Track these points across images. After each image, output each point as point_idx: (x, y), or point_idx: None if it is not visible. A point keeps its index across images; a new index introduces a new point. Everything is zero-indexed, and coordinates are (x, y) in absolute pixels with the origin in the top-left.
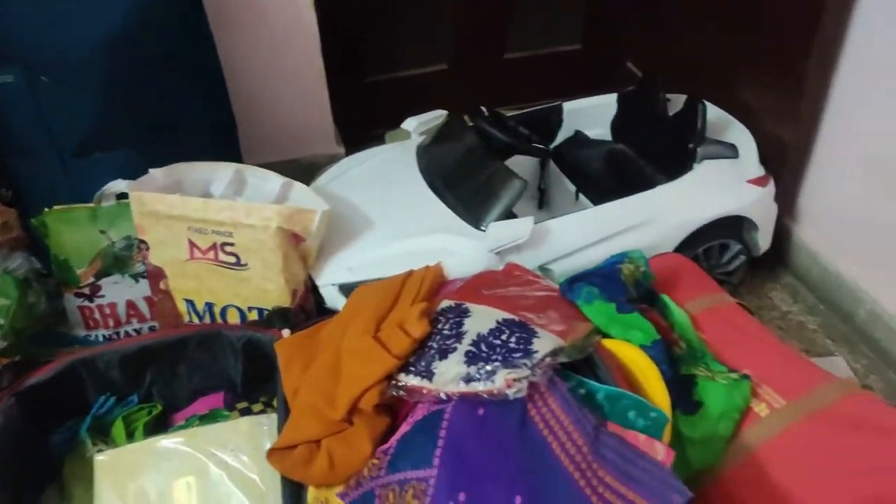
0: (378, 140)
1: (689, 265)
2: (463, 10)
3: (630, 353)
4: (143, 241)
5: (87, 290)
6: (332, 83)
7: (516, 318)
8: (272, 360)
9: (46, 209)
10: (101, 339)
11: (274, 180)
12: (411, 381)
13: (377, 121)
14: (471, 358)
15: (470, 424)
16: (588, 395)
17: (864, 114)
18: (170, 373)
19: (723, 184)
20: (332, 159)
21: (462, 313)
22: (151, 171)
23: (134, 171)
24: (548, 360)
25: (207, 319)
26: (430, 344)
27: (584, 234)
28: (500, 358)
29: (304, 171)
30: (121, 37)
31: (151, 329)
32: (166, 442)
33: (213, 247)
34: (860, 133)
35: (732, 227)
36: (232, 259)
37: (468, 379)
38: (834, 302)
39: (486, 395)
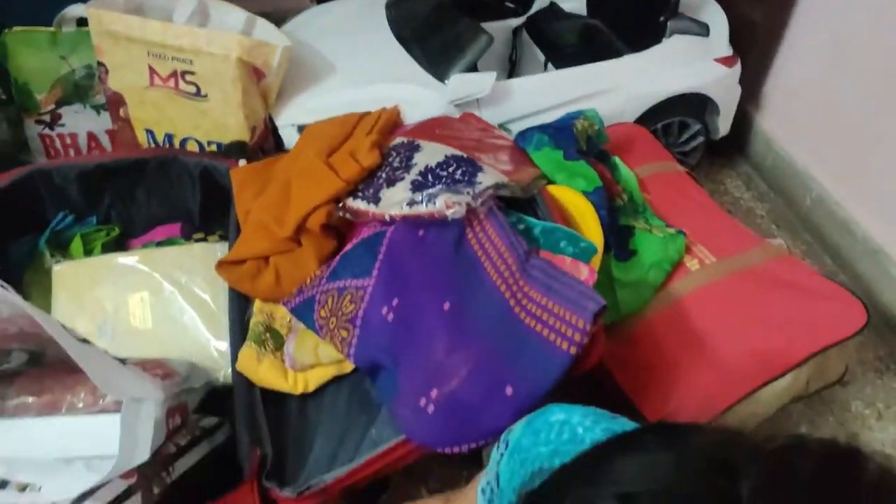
0: None
1: (645, 134)
2: None
3: (571, 198)
4: (101, 64)
5: (47, 118)
6: None
7: (465, 155)
8: (228, 191)
9: (6, 30)
10: None
11: (238, 14)
12: (358, 204)
13: None
14: (416, 186)
15: (409, 243)
16: (526, 230)
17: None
18: (128, 196)
19: (689, 59)
20: None
21: (413, 149)
22: None
23: None
24: (490, 191)
25: None
26: (379, 174)
27: (545, 96)
28: (443, 185)
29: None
30: None
31: None
32: (123, 259)
33: (174, 74)
34: (830, 19)
35: (694, 105)
36: (192, 89)
37: (411, 203)
38: (784, 189)
39: (426, 217)
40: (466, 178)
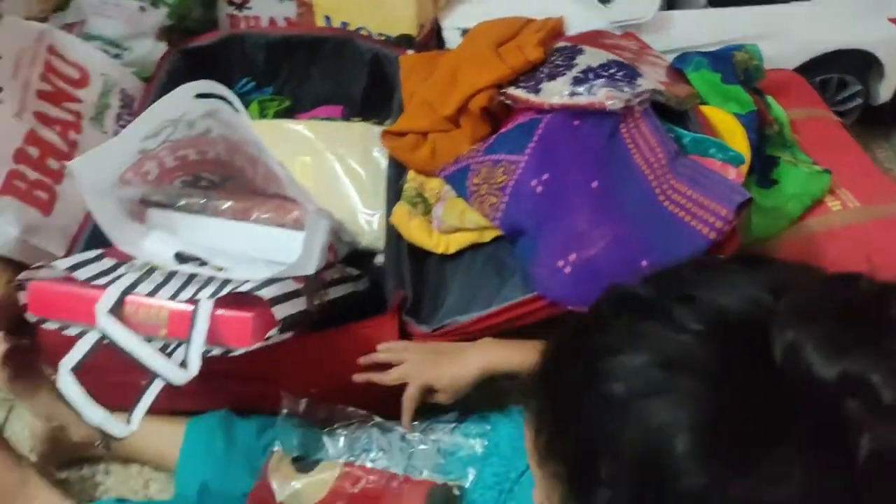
0: None
1: (802, 82)
2: None
3: (723, 117)
4: None
5: (237, 0)
6: None
7: (625, 62)
8: (393, 80)
9: None
10: None
11: None
12: (519, 93)
13: None
14: (577, 81)
15: (565, 130)
16: (677, 139)
17: None
18: (303, 72)
19: (860, 14)
20: None
21: (576, 51)
22: None
23: None
24: (647, 94)
25: None
26: (541, 69)
27: (706, 32)
28: (604, 82)
29: None
30: None
31: None
32: (292, 125)
33: None
34: None
35: (858, 63)
36: None
37: (572, 94)
38: None
39: (586, 106)
40: (627, 80)
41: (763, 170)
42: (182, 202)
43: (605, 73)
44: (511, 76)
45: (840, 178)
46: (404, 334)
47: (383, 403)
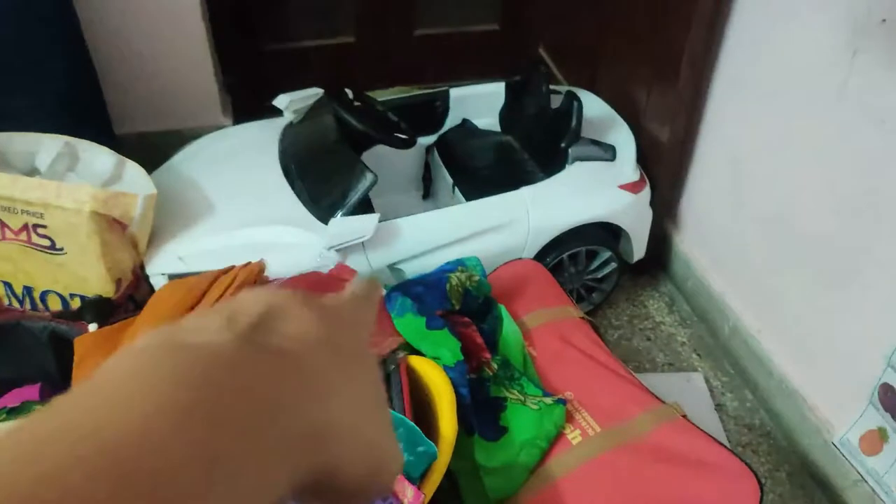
0: (276, 113)
1: (541, 273)
2: None
3: (432, 374)
4: None
5: None
6: (225, 49)
7: None
8: None
9: None
10: None
11: (106, 158)
12: None
13: (275, 93)
14: None
15: None
16: None
17: (731, 116)
18: None
19: (592, 187)
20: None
21: None
22: None
23: None
24: None
25: (28, 304)
26: None
27: (438, 234)
28: None
29: (188, 142)
30: None
31: None
32: None
33: (25, 228)
34: (727, 136)
35: (600, 233)
36: (46, 242)
37: None
38: (705, 315)
39: None
40: None
41: (486, 418)
42: None
43: None
44: None
45: (579, 397)
46: None
47: None
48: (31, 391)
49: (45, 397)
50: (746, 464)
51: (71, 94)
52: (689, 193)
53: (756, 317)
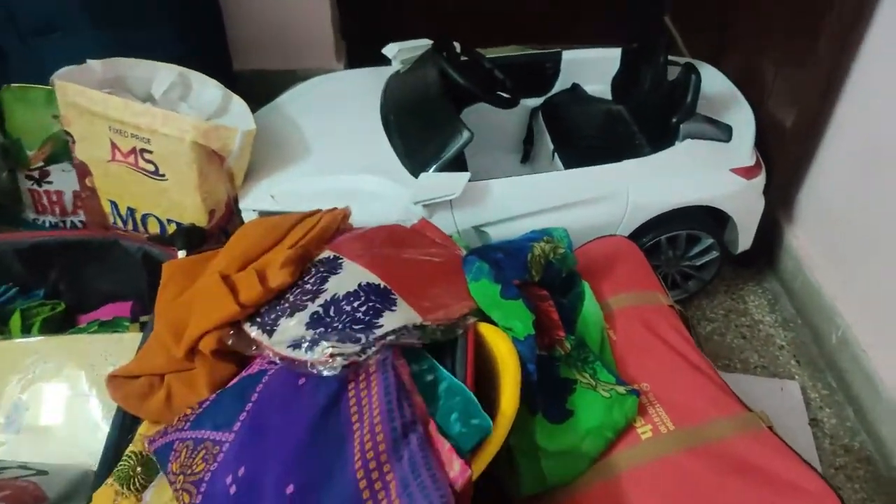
0: (387, 62)
1: (633, 254)
2: None
3: (500, 345)
4: (68, 133)
5: (36, 174)
6: None
7: (381, 285)
8: None
9: (4, 85)
10: (48, 224)
11: (215, 91)
12: (253, 332)
13: (389, 42)
14: (314, 321)
15: (284, 393)
16: (433, 383)
17: (876, 97)
18: (74, 273)
19: (701, 168)
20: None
21: (333, 268)
22: (90, 62)
23: (99, 57)
24: (389, 337)
25: (130, 224)
26: (287, 296)
27: (530, 200)
28: (339, 326)
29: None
30: None
31: None
32: (43, 343)
33: (133, 151)
34: (871, 130)
35: (705, 218)
36: (151, 167)
37: (296, 344)
38: (811, 319)
39: (303, 364)
40: (368, 319)
41: (553, 399)
42: None
43: (348, 308)
44: (241, 315)
45: (656, 390)
46: None
47: None
48: (122, 307)
49: (135, 314)
50: (834, 488)
51: (195, 27)
52: (810, 184)
53: (871, 329)
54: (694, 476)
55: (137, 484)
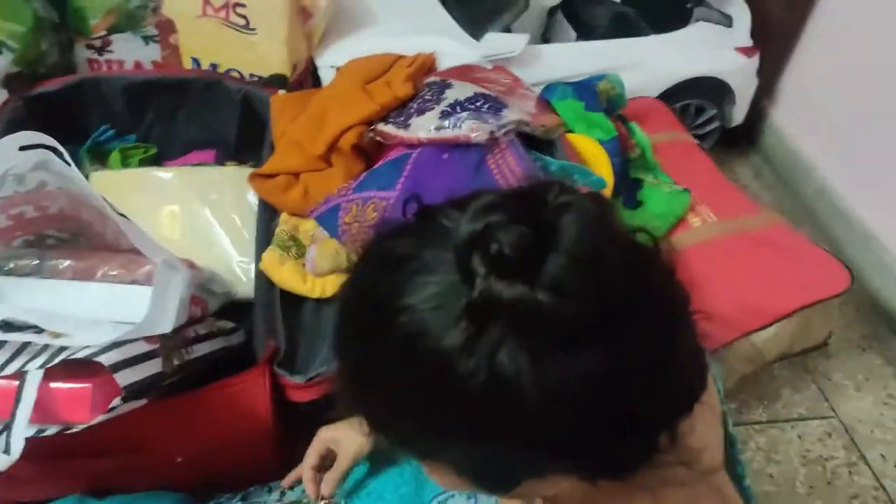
0: None
1: (663, 107)
2: None
3: (588, 145)
4: None
5: (97, 43)
6: None
7: (493, 94)
8: (265, 121)
9: None
10: None
11: None
12: (389, 129)
13: None
14: (445, 115)
15: (433, 163)
16: (544, 166)
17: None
18: (169, 116)
19: (711, 45)
20: None
21: (445, 86)
22: None
23: None
24: (513, 125)
25: None
26: (411, 105)
27: (572, 64)
28: (470, 114)
29: None
30: None
31: None
32: (159, 173)
33: (226, 5)
34: (850, 16)
35: (712, 89)
36: (242, 21)
37: (439, 128)
38: (790, 180)
39: (452, 140)
40: (492, 112)
41: (629, 192)
42: (10, 265)
43: (472, 107)
44: (380, 113)
45: (699, 195)
46: (277, 388)
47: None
48: (206, 155)
49: (219, 160)
50: (842, 261)
51: None
52: (792, 66)
53: (845, 178)
54: (735, 251)
55: (293, 253)
